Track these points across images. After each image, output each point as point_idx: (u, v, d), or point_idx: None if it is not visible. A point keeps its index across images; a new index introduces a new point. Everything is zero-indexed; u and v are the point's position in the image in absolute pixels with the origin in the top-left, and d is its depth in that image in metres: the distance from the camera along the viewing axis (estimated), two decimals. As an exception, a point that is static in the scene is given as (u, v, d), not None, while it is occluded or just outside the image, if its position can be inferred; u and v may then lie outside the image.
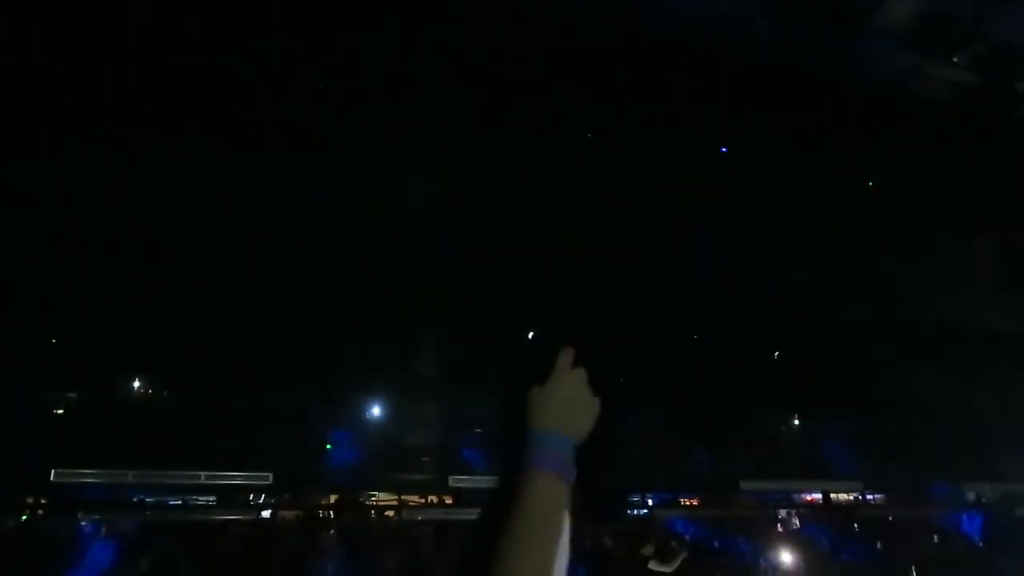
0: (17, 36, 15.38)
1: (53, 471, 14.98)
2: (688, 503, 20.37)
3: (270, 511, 16.98)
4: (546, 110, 19.24)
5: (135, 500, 16.06)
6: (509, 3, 18.76)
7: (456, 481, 17.36)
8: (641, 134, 20.31)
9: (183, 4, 16.51)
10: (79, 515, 15.39)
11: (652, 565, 14.92)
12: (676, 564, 14.64)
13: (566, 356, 3.60)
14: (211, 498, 16.46)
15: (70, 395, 15.40)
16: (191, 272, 16.49)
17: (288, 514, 17.13)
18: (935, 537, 21.06)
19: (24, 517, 15.48)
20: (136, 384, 16.39)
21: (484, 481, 17.72)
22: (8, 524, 15.19)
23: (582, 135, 19.88)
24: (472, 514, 17.10)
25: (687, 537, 19.29)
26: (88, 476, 15.38)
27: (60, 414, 15.05)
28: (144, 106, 16.39)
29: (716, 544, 19.32)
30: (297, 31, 17.53)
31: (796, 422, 21.75)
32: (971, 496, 21.91)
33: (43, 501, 15.67)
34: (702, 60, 20.35)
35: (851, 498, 21.51)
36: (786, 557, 18.82)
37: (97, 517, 15.60)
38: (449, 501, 17.83)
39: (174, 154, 16.51)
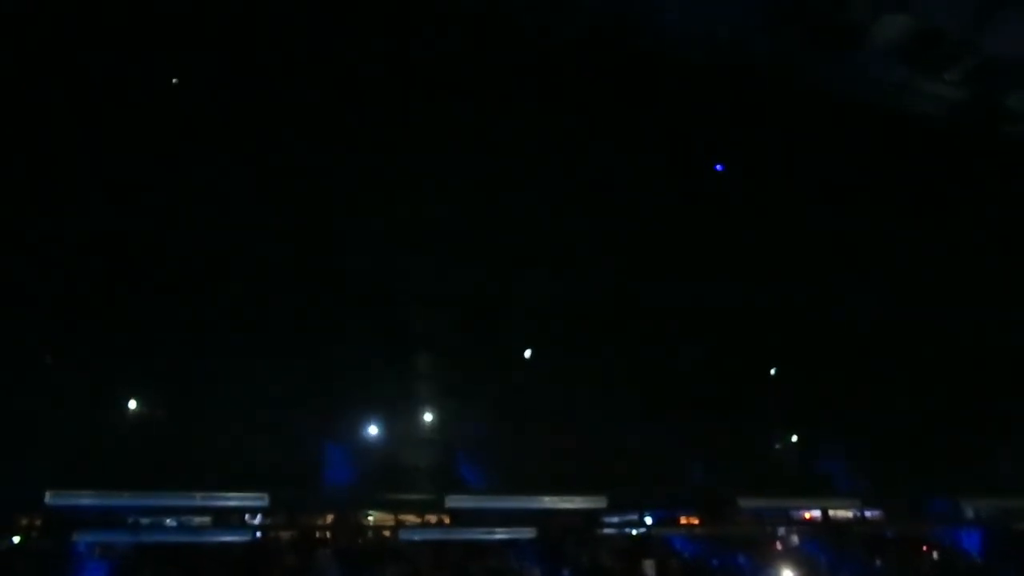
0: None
1: (47, 492, 14.85)
2: (686, 520, 20.26)
3: (266, 532, 16.87)
4: (543, 126, 19.35)
5: (130, 521, 15.93)
6: (508, 20, 18.89)
7: (453, 501, 17.26)
8: (637, 149, 20.41)
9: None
10: (73, 536, 15.28)
11: None
12: None
13: None
14: (206, 519, 16.35)
15: (65, 416, 15.31)
16: (188, 294, 16.48)
17: (284, 535, 17.03)
18: (934, 553, 20.99)
19: (18, 538, 15.37)
20: (132, 405, 16.31)
21: (481, 500, 17.66)
22: (2, 545, 15.08)
23: (579, 150, 19.97)
24: (469, 534, 17.10)
25: (686, 555, 19.26)
26: (83, 497, 15.24)
27: (55, 435, 14.96)
28: (149, 126, 16.46)
29: (715, 562, 19.24)
30: (302, 46, 17.62)
31: (794, 439, 21.69)
32: (970, 511, 21.81)
33: (37, 522, 15.55)
34: (697, 77, 20.49)
35: (849, 515, 21.41)
36: (785, 574, 18.75)
37: (91, 538, 15.49)
38: (446, 521, 17.74)
39: (176, 179, 16.60)
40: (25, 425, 14.78)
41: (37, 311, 15.36)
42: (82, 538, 15.34)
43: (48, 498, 14.84)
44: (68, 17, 15.74)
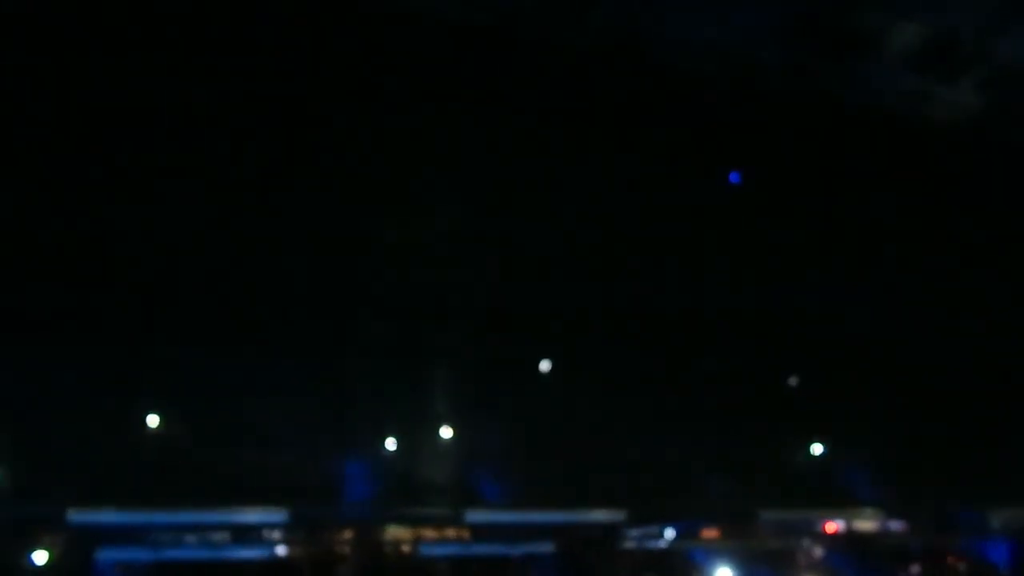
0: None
1: (69, 509, 14.99)
2: (708, 534, 20.08)
3: (286, 548, 16.90)
4: (557, 137, 19.39)
5: (151, 538, 16.01)
6: (518, 32, 18.99)
7: (472, 515, 17.23)
8: (652, 159, 20.40)
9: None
10: (95, 554, 15.38)
11: None
12: None
13: None
14: (226, 535, 16.41)
15: (87, 433, 15.47)
16: (205, 310, 16.61)
17: (304, 551, 17.04)
18: (961, 565, 20.67)
19: (46, 555, 15.48)
20: (152, 422, 16.43)
21: (500, 515, 17.60)
22: (25, 563, 15.20)
23: (589, 163, 19.99)
24: (488, 548, 17.06)
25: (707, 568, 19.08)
26: (104, 514, 15.38)
27: (77, 452, 15.11)
28: (168, 141, 16.64)
29: None
30: (316, 56, 17.78)
31: (816, 450, 21.45)
32: (997, 522, 21.47)
33: (59, 539, 15.66)
34: (709, 88, 20.48)
35: (873, 526, 21.13)
36: (809, 588, 18.57)
37: (113, 555, 15.59)
38: (465, 535, 17.70)
39: (194, 195, 16.75)
40: (47, 442, 14.93)
41: (58, 329, 15.54)
42: (104, 555, 15.46)
43: (69, 515, 15.01)
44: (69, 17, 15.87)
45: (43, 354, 15.48)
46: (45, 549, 15.38)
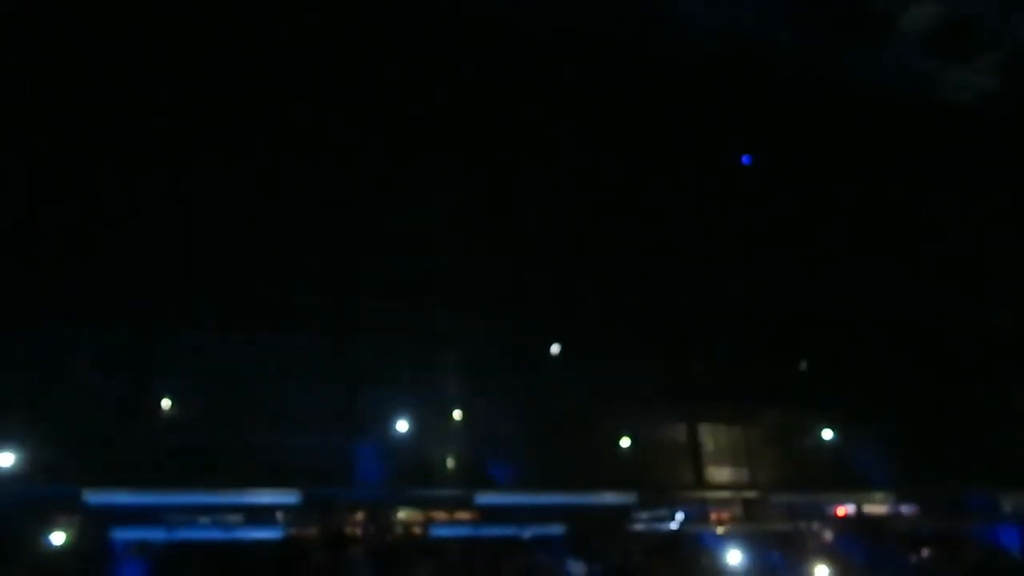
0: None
1: (85, 491, 15.16)
2: (717, 517, 20.11)
3: (298, 529, 17.02)
4: (565, 121, 19.34)
5: (165, 519, 16.17)
6: (531, 15, 18.91)
7: (482, 497, 17.32)
8: (662, 143, 20.33)
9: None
10: (111, 534, 15.55)
11: None
12: None
13: None
14: (239, 516, 16.55)
15: (102, 414, 15.63)
16: (220, 293, 16.72)
17: (316, 532, 17.17)
18: (972, 549, 20.63)
19: (64, 535, 15.65)
20: (166, 404, 16.57)
21: (510, 497, 17.69)
22: (40, 544, 15.38)
23: (600, 148, 19.94)
24: (498, 530, 17.12)
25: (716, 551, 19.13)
26: (119, 495, 15.54)
27: (91, 433, 15.28)
28: (178, 129, 16.70)
29: (747, 559, 19.07)
30: (314, 40, 17.76)
31: (827, 433, 21.42)
32: (1008, 507, 21.41)
33: (75, 520, 15.83)
34: (724, 70, 20.35)
35: (884, 510, 21.11)
36: (819, 571, 18.55)
37: (128, 536, 15.75)
38: (476, 517, 17.80)
39: (203, 179, 16.82)
40: (62, 424, 15.09)
41: (72, 310, 15.66)
42: (119, 535, 15.64)
43: (84, 497, 15.18)
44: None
45: (58, 336, 15.62)
46: (61, 530, 15.53)
